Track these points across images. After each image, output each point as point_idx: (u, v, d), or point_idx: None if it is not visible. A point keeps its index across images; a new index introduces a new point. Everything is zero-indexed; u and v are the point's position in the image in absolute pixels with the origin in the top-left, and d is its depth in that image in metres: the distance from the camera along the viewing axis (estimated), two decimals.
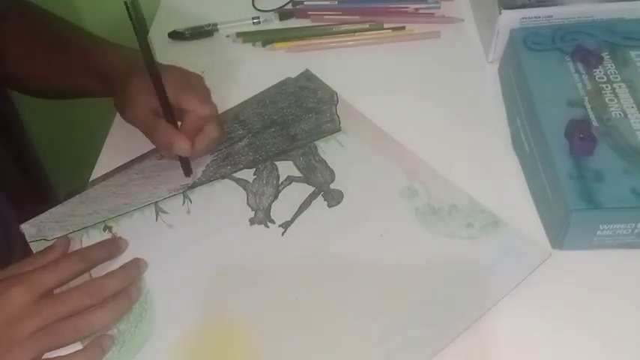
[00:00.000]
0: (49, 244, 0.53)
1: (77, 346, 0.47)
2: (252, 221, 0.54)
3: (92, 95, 0.64)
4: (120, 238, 0.53)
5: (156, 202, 0.56)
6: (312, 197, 0.55)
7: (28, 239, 0.54)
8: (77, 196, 0.57)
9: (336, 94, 0.63)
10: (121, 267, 0.50)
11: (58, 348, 0.46)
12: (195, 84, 0.58)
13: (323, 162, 0.57)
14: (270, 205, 0.54)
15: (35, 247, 0.53)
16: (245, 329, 0.47)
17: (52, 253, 0.50)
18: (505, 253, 0.49)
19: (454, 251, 0.50)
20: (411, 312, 0.47)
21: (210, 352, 0.47)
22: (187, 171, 0.57)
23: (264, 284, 0.50)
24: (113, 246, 0.52)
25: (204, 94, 0.58)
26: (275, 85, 0.65)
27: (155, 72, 0.52)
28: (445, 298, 0.47)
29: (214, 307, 0.49)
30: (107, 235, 0.54)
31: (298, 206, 0.54)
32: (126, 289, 0.49)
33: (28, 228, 0.55)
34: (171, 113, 0.54)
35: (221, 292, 0.50)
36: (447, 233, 0.51)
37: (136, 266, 0.51)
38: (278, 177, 0.56)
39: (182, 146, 0.53)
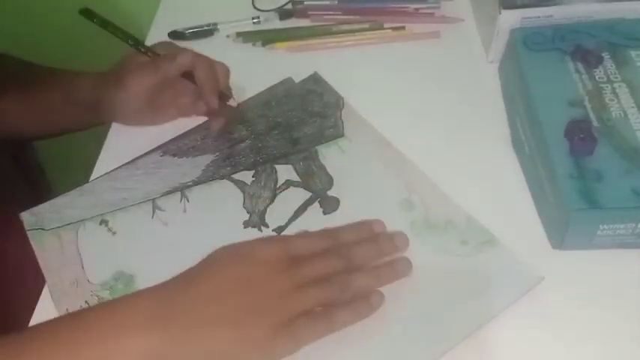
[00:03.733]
0: (46, 233, 0.53)
1: None
2: (246, 224, 0.53)
3: (79, 127, 0.65)
4: (376, 220, 0.50)
5: (153, 199, 0.56)
6: (308, 203, 0.54)
7: (26, 227, 0.54)
8: (77, 188, 0.57)
9: (343, 99, 0.62)
10: (374, 237, 0.49)
11: (324, 302, 0.45)
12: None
13: (322, 168, 0.57)
14: (265, 209, 0.54)
15: (32, 236, 0.54)
16: None
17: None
18: (496, 274, 0.48)
19: (446, 268, 0.49)
20: (397, 327, 0.46)
21: None
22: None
23: None
24: (366, 229, 0.49)
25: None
26: (277, 84, 0.65)
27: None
28: (432, 315, 0.46)
29: None
30: (103, 229, 0.54)
31: (294, 211, 0.54)
32: (392, 261, 0.48)
33: (27, 216, 0.55)
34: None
35: None
36: (441, 249, 0.50)
37: (391, 240, 0.49)
38: (276, 180, 0.56)
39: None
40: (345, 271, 0.46)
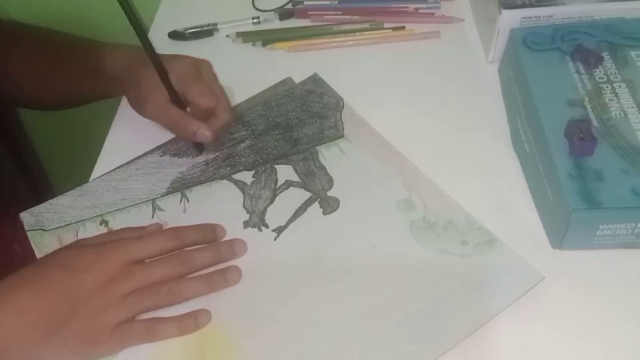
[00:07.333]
0: (46, 234, 0.53)
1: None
2: (246, 224, 0.53)
3: (101, 97, 0.64)
4: (218, 225, 0.53)
5: (153, 199, 0.56)
6: (308, 203, 0.54)
7: (26, 228, 0.54)
8: (77, 188, 0.57)
9: (342, 99, 0.62)
10: (215, 243, 0.51)
11: (152, 309, 0.47)
12: (203, 72, 0.58)
13: (322, 168, 0.57)
14: (265, 209, 0.54)
15: (32, 237, 0.54)
16: (227, 332, 0.47)
17: (149, 228, 0.53)
18: (497, 274, 0.48)
19: (445, 268, 0.49)
20: (397, 327, 0.46)
21: (190, 354, 0.46)
22: (201, 149, 0.59)
23: (252, 288, 0.49)
24: (209, 231, 0.52)
25: (211, 84, 0.58)
26: (277, 84, 0.65)
27: (158, 62, 0.53)
28: (432, 315, 0.46)
29: (199, 308, 0.48)
30: (103, 230, 0.54)
31: (294, 211, 0.54)
32: (224, 269, 0.49)
33: (27, 217, 0.55)
34: (179, 101, 0.56)
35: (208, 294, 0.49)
36: (441, 249, 0.50)
37: (230, 247, 0.51)
38: (276, 181, 0.56)
39: (205, 134, 0.55)
40: (181, 275, 0.48)
